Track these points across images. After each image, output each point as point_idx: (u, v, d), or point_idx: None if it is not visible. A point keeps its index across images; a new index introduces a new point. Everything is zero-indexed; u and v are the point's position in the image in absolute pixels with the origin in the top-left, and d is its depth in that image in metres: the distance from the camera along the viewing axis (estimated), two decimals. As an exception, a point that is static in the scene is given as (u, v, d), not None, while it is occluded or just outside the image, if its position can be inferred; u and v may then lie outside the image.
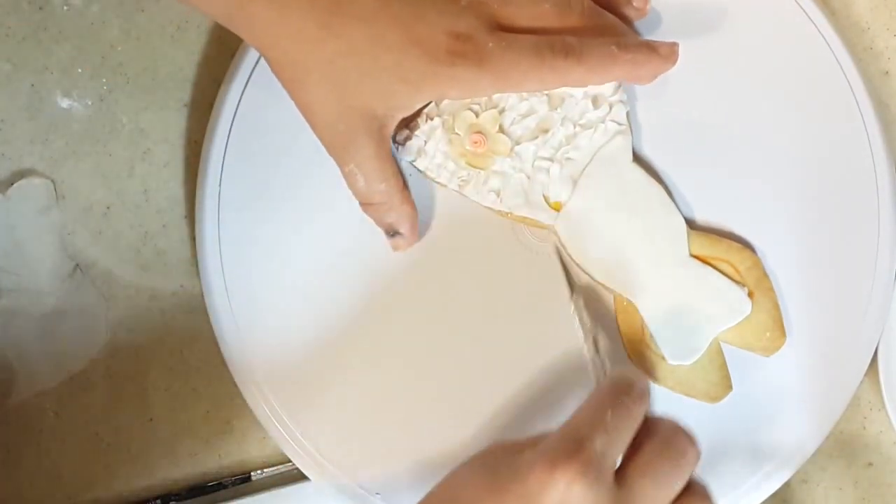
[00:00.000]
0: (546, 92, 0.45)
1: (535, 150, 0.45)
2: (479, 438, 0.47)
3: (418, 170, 0.46)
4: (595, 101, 0.45)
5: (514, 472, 0.36)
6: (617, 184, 0.46)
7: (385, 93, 0.41)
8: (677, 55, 0.43)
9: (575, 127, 0.45)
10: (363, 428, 0.47)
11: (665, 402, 0.46)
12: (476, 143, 0.45)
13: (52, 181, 0.48)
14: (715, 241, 0.46)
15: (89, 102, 0.48)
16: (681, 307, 0.45)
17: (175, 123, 0.49)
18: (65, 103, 0.48)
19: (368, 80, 0.41)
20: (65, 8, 0.48)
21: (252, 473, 0.49)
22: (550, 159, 0.45)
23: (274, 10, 0.40)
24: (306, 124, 0.46)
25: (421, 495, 0.47)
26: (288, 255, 0.47)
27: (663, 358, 0.46)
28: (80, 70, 0.48)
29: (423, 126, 0.45)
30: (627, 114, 0.46)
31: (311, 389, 0.47)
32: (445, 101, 0.45)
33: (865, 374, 0.47)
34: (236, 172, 0.46)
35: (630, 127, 0.46)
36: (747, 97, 0.47)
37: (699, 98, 0.47)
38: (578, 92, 0.45)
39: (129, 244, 0.49)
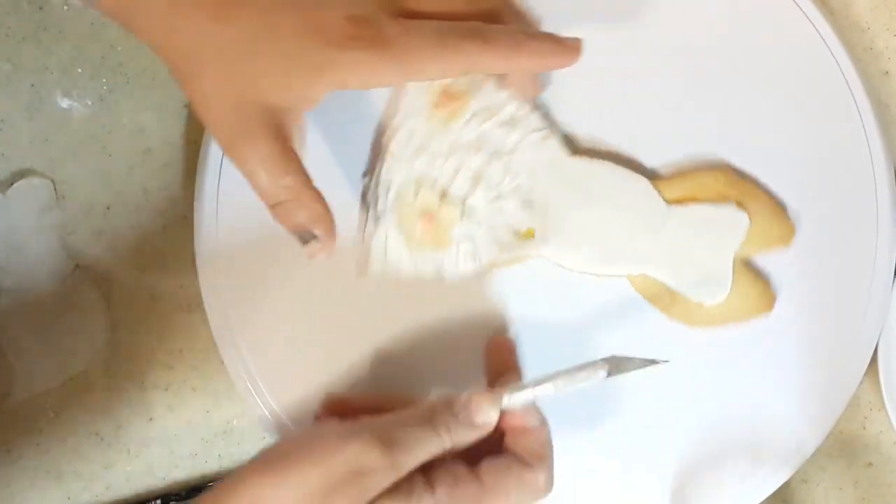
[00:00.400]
0: (462, 139, 0.45)
1: (483, 196, 0.45)
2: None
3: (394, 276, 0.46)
4: (509, 124, 0.45)
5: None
6: (568, 182, 0.46)
7: (283, 82, 0.38)
8: (581, 51, 0.41)
9: (504, 157, 0.45)
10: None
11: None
12: (428, 225, 0.45)
13: (53, 181, 0.48)
14: (682, 177, 0.46)
15: (89, 102, 0.48)
16: (688, 254, 0.45)
17: (175, 123, 0.49)
18: (65, 103, 0.48)
19: (265, 70, 0.38)
20: (65, 8, 0.48)
21: (252, 473, 0.49)
22: (500, 197, 0.45)
23: (164, 1, 0.38)
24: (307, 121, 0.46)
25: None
26: (286, 255, 0.47)
27: (702, 304, 0.46)
28: (80, 70, 0.48)
29: (377, 236, 0.45)
30: (543, 115, 0.46)
31: (310, 389, 0.47)
32: (381, 205, 0.45)
33: (865, 374, 0.47)
34: (235, 172, 0.46)
35: (552, 124, 0.46)
36: (746, 97, 0.47)
37: (698, 98, 0.47)
38: (489, 124, 0.45)
39: (129, 244, 0.49)
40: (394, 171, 0.45)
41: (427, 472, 0.37)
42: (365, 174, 0.46)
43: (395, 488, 0.36)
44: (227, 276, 0.46)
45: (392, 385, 0.47)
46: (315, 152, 0.46)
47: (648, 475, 0.47)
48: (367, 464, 0.35)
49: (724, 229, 0.45)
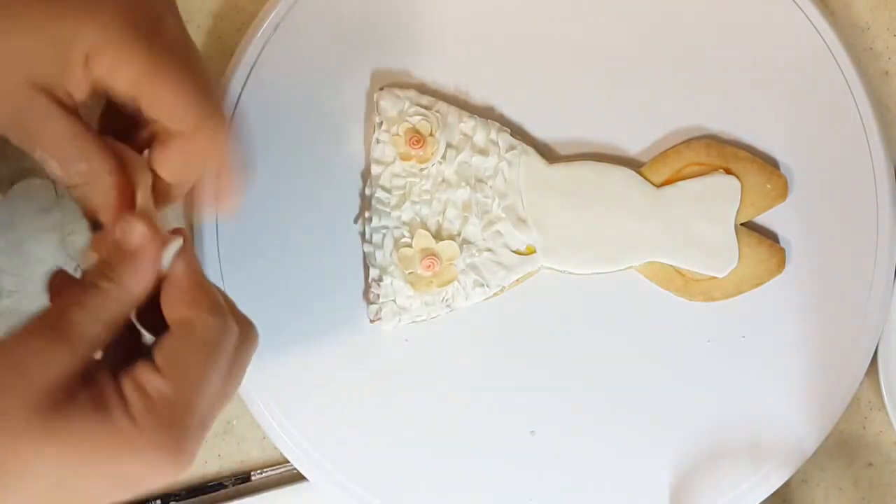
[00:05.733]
0: (442, 177, 0.45)
1: (476, 225, 0.46)
2: (478, 438, 0.47)
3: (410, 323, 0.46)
4: (483, 152, 0.45)
5: None
6: (554, 190, 0.46)
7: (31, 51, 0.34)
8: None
9: (486, 182, 0.46)
10: (361, 428, 0.47)
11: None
12: (430, 265, 0.45)
13: (53, 181, 0.48)
14: (664, 158, 0.46)
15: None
16: (689, 232, 0.46)
17: (175, 123, 0.49)
18: (65, 103, 0.48)
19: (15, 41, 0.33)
20: (65, 8, 0.48)
21: (252, 473, 0.49)
22: (493, 222, 0.46)
23: None
24: (305, 124, 0.46)
25: (419, 496, 0.47)
26: (286, 255, 0.47)
27: (714, 277, 0.46)
28: (80, 70, 0.48)
29: (383, 287, 0.46)
30: (511, 133, 0.46)
31: (310, 390, 0.47)
32: (380, 257, 0.45)
33: (865, 374, 0.47)
34: (236, 172, 0.46)
35: (525, 138, 0.46)
36: (746, 97, 0.47)
37: (698, 98, 0.47)
38: (463, 155, 0.45)
39: (129, 244, 0.49)
40: (384, 221, 0.45)
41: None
42: (356, 219, 0.47)
43: (85, 392, 0.31)
44: (227, 275, 0.46)
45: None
46: (305, 195, 0.46)
47: (648, 475, 0.47)
48: (30, 353, 0.31)
49: (718, 199, 0.46)
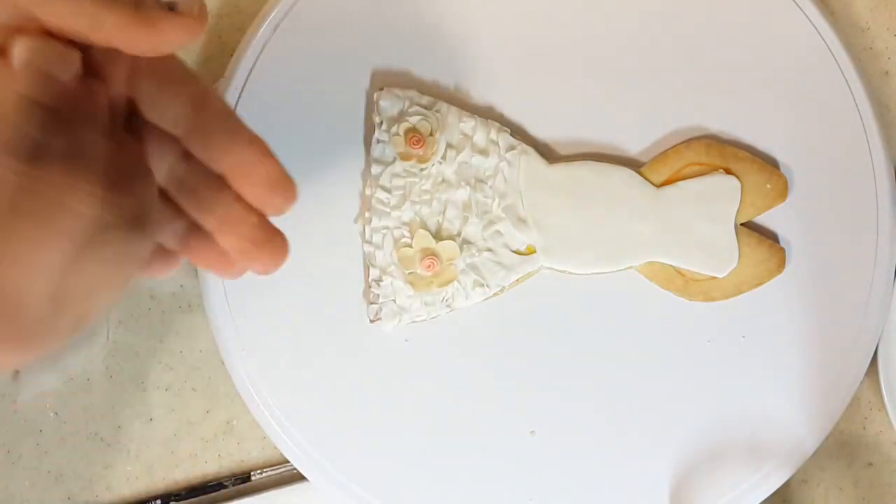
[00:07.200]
0: (442, 177, 0.45)
1: (476, 225, 0.46)
2: (478, 438, 0.47)
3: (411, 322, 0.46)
4: (483, 152, 0.45)
5: None
6: (554, 190, 0.46)
7: None
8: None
9: (486, 183, 0.46)
10: (361, 428, 0.47)
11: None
12: (430, 265, 0.45)
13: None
14: (664, 158, 0.46)
15: None
16: (689, 232, 0.45)
17: (175, 123, 0.49)
18: (65, 103, 0.48)
19: None
20: (65, 8, 0.48)
21: (252, 473, 0.49)
22: (493, 222, 0.46)
23: None
24: (305, 124, 0.46)
25: (419, 496, 0.47)
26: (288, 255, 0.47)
27: (714, 277, 0.46)
28: (80, 70, 0.48)
29: (383, 287, 0.46)
30: (511, 133, 0.46)
31: (310, 390, 0.47)
32: (380, 258, 0.45)
33: (865, 374, 0.47)
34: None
35: (525, 138, 0.46)
36: (746, 97, 0.47)
37: (698, 98, 0.47)
38: (463, 155, 0.45)
39: (129, 244, 0.49)
40: (384, 221, 0.45)
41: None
42: (356, 219, 0.47)
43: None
44: (227, 276, 0.47)
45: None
46: (304, 195, 0.46)
47: (648, 475, 0.47)
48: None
49: (718, 199, 0.46)
